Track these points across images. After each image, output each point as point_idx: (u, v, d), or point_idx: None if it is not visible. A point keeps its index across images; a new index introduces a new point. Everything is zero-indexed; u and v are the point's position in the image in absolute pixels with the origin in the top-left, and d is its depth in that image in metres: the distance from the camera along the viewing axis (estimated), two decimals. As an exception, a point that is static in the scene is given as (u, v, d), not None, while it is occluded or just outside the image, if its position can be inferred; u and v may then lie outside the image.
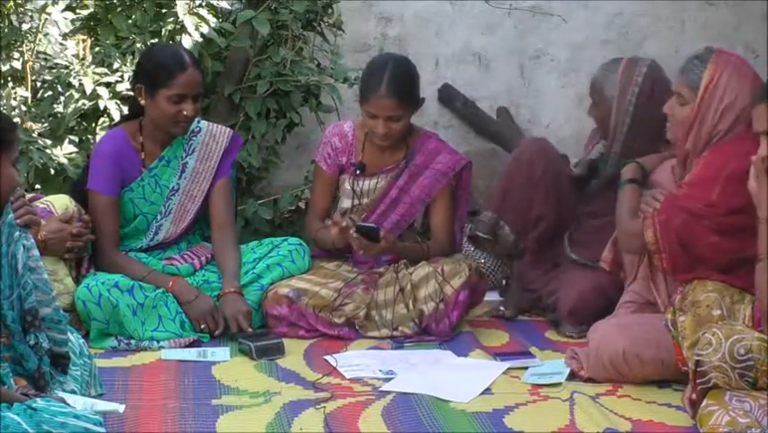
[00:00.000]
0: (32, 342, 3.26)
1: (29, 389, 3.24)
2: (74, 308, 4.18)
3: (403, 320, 4.38)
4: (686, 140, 3.91)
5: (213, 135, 4.55)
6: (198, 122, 4.54)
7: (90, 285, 4.20)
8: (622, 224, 4.06)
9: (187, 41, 4.87)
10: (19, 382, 3.25)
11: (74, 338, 3.54)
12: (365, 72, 4.58)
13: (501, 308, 4.66)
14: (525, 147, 4.68)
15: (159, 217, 4.50)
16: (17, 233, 3.26)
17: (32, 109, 4.74)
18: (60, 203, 4.30)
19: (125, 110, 4.68)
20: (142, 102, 4.39)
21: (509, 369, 3.99)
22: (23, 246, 3.26)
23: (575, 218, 4.65)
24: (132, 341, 4.19)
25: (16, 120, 4.49)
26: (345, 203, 4.66)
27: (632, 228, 3.98)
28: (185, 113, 4.34)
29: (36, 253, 3.31)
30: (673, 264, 3.83)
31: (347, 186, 4.64)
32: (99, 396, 3.60)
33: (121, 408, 3.38)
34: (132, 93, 4.52)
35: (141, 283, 4.27)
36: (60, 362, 3.35)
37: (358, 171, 4.60)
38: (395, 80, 4.45)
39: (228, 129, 4.63)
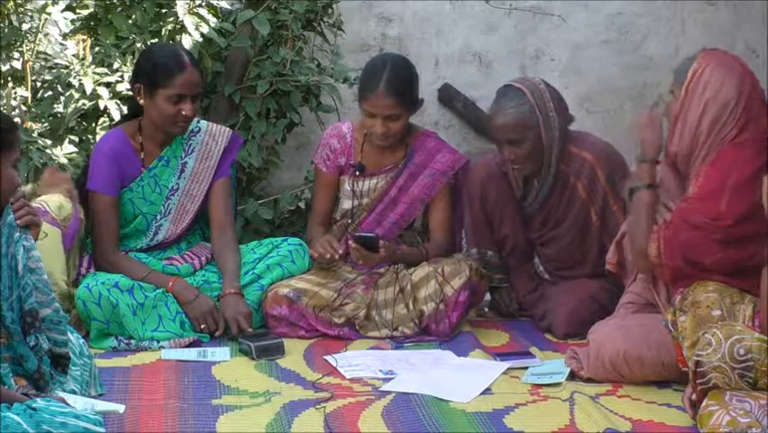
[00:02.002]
0: (31, 343, 3.26)
1: (29, 389, 3.24)
2: (67, 310, 4.16)
3: (403, 320, 4.38)
4: (673, 134, 3.86)
5: (212, 135, 4.55)
6: (198, 122, 4.54)
7: (90, 285, 4.20)
8: (638, 240, 3.88)
9: (187, 41, 4.87)
10: (19, 382, 3.25)
11: (74, 338, 3.55)
12: (364, 71, 4.57)
13: (486, 308, 4.68)
14: (475, 173, 4.64)
15: (158, 217, 4.50)
16: (17, 234, 3.26)
17: (32, 109, 4.75)
18: (54, 202, 4.27)
19: (125, 110, 4.68)
20: (141, 102, 4.39)
21: (509, 369, 3.99)
22: (23, 247, 3.27)
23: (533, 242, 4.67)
24: (132, 341, 4.18)
25: (16, 120, 4.49)
26: (345, 204, 4.65)
27: (647, 248, 3.83)
28: (184, 113, 4.34)
29: (36, 253, 3.31)
30: (674, 278, 3.80)
31: (347, 187, 4.63)
32: (99, 396, 3.60)
33: (121, 408, 3.38)
34: (131, 93, 4.52)
35: (141, 283, 4.27)
36: (61, 362, 3.35)
37: (357, 172, 4.60)
38: (393, 79, 4.44)
39: (227, 129, 4.63)
